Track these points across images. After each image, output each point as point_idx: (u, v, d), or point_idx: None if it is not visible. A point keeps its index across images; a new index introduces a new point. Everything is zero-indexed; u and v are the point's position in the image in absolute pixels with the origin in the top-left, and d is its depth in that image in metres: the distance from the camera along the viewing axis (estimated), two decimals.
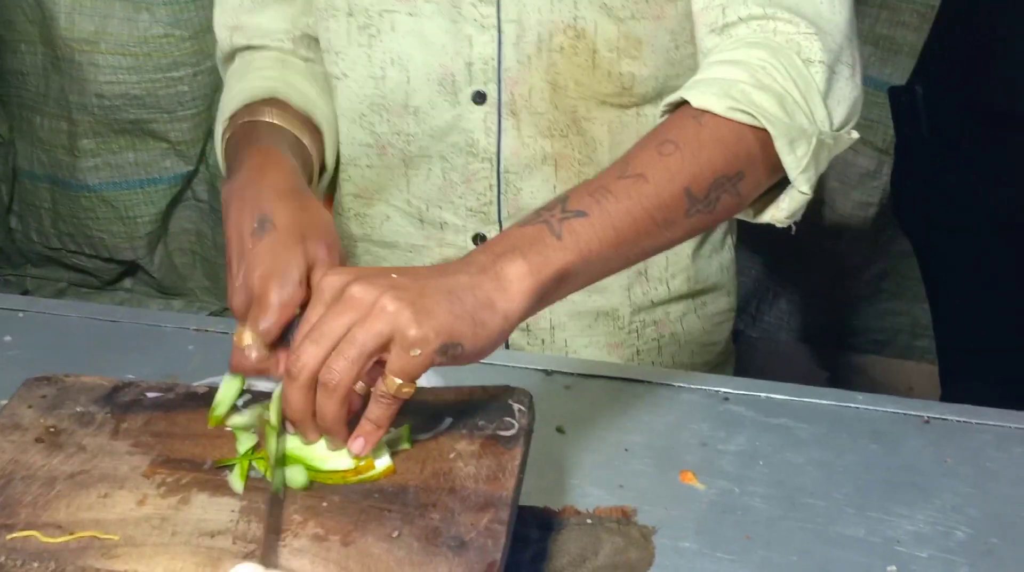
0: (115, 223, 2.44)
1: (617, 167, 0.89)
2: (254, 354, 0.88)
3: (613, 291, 1.22)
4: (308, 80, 1.17)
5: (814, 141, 0.93)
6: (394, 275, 0.80)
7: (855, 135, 0.99)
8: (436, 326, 0.78)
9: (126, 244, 2.46)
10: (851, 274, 2.45)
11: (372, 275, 0.80)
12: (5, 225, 2.49)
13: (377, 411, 0.80)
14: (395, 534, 0.76)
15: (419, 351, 0.78)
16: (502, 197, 1.16)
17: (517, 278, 0.81)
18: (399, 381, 0.79)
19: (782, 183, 0.95)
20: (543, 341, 1.24)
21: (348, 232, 1.26)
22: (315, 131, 1.13)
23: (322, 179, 1.18)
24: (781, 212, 0.96)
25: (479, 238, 1.18)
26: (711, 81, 0.93)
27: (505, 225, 1.17)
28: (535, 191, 1.15)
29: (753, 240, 2.09)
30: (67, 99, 2.33)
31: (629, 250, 0.88)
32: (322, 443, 0.82)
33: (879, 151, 2.25)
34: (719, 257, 1.28)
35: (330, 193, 1.26)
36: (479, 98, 1.12)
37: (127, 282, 2.58)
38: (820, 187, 2.22)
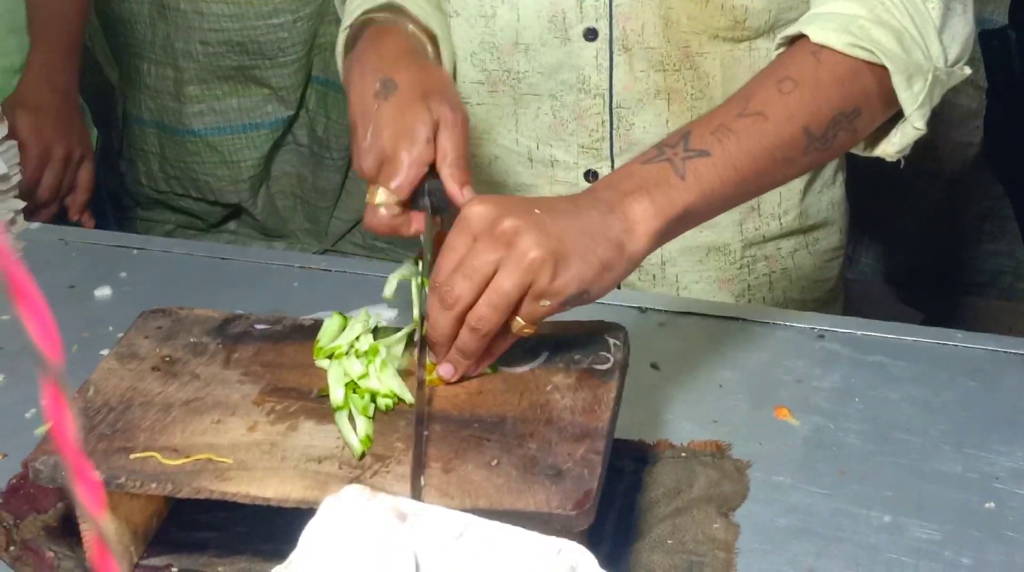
0: (220, 167, 2.49)
1: (736, 103, 0.89)
2: (386, 212, 0.91)
3: (725, 226, 1.22)
4: None
5: (930, 77, 0.93)
6: (537, 211, 0.82)
7: (968, 71, 0.99)
8: (571, 278, 0.80)
9: (230, 187, 2.52)
10: (950, 216, 2.40)
11: (517, 209, 0.82)
12: (116, 169, 2.57)
13: (473, 345, 0.83)
14: (494, 463, 0.78)
15: (550, 302, 0.81)
16: (614, 132, 1.16)
17: (643, 218, 0.83)
18: (523, 323, 0.82)
19: (893, 117, 0.95)
20: (654, 277, 1.24)
21: None
22: (431, 38, 1.13)
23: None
24: (892, 147, 0.97)
25: (591, 174, 1.19)
26: (829, 16, 0.93)
27: (617, 161, 1.17)
28: (647, 126, 1.15)
29: (849, 181, 2.06)
30: (173, 46, 2.38)
31: (748, 188, 0.89)
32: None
33: (980, 90, 2.19)
34: (830, 193, 1.28)
35: None
36: (591, 34, 1.12)
37: (231, 224, 2.64)
38: (930, 122, 2.18)
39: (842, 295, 1.37)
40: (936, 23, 0.95)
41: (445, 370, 0.85)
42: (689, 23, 1.10)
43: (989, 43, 1.75)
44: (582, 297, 0.82)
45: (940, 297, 2.48)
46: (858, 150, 0.99)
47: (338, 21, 1.74)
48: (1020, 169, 1.75)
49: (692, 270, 1.24)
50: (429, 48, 1.09)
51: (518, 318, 0.82)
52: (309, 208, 2.57)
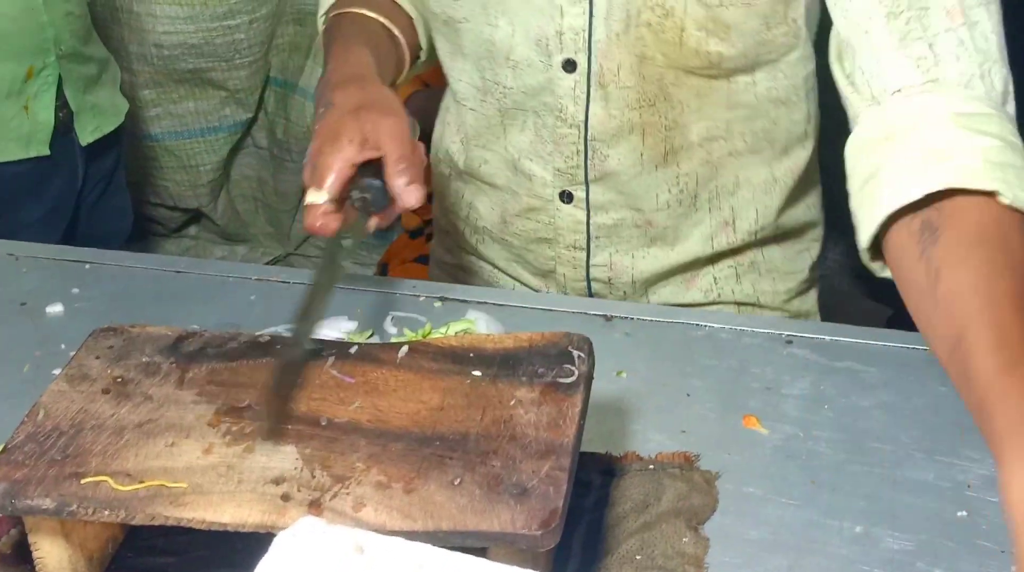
0: (178, 172, 2.46)
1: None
2: (322, 208, 0.95)
3: (695, 240, 1.21)
4: None
5: None
6: None
7: None
8: None
9: (189, 192, 2.49)
10: None
11: None
12: None
13: None
14: (457, 481, 0.76)
15: None
16: (589, 162, 1.16)
17: None
18: None
19: None
20: (624, 293, 1.25)
21: (452, 160, 1.29)
22: (404, 16, 1.20)
23: (419, 57, 1.24)
24: None
25: (566, 195, 1.19)
26: (1002, 165, 0.79)
27: (592, 187, 1.17)
28: (622, 157, 1.15)
29: (818, 177, 2.06)
30: (127, 50, 2.35)
31: None
32: None
33: None
34: (808, 199, 1.27)
35: (430, 73, 1.33)
36: (569, 66, 1.11)
37: (192, 229, 2.61)
38: None
39: (816, 285, 1.36)
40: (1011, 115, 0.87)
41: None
42: (664, 59, 1.09)
43: None
44: None
45: None
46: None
47: (296, 21, 1.76)
48: None
49: (664, 286, 1.25)
50: (397, 32, 1.17)
51: None
52: (270, 212, 2.55)
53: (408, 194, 0.96)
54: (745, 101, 1.12)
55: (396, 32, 1.17)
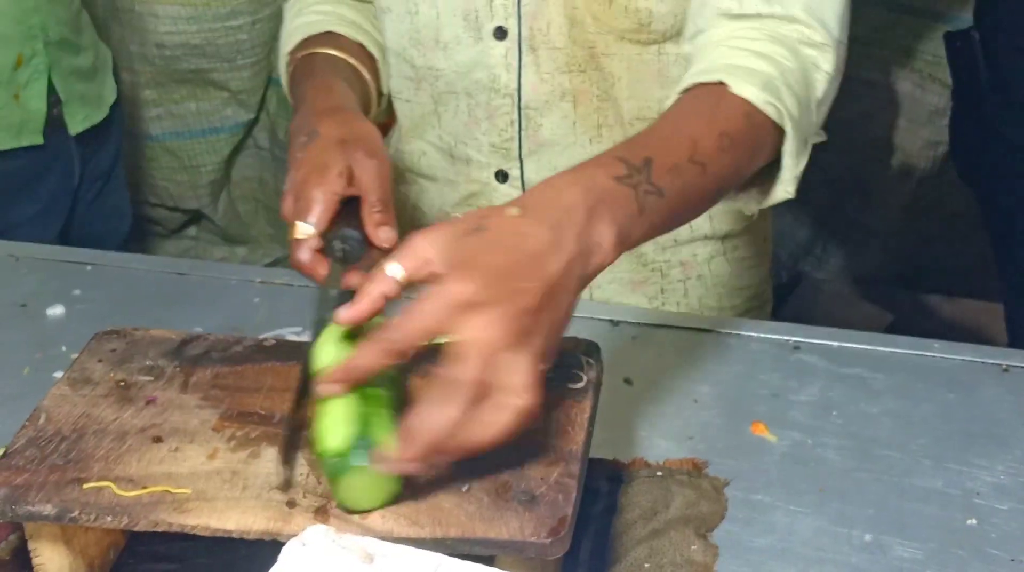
0: (179, 172, 2.45)
1: (685, 146, 0.86)
2: (306, 250, 0.92)
3: None
4: (358, 12, 1.21)
5: (808, 146, 0.95)
6: (525, 285, 0.73)
7: (823, 136, 1.01)
8: (539, 356, 0.73)
9: (190, 193, 2.48)
10: (919, 214, 2.39)
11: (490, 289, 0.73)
12: None
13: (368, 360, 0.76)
14: (465, 488, 0.75)
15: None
16: (523, 133, 1.16)
17: (611, 251, 0.79)
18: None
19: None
20: None
21: (398, 163, 1.28)
22: (369, 58, 1.19)
23: (381, 102, 1.23)
24: (757, 205, 0.98)
25: (501, 175, 1.19)
26: (750, 71, 0.93)
27: (527, 162, 1.18)
28: (555, 127, 1.15)
29: (818, 181, 2.05)
30: (128, 50, 2.33)
31: (671, 228, 0.89)
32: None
33: (947, 88, 2.18)
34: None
35: (389, 118, 1.31)
36: (500, 33, 1.12)
37: (192, 230, 2.59)
38: (888, 126, 2.16)
39: (768, 304, 1.35)
40: (818, 96, 0.97)
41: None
42: (594, 24, 1.10)
43: (952, 45, 1.74)
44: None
45: (909, 296, 2.48)
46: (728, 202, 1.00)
47: None
48: (985, 172, 1.74)
49: (604, 271, 1.22)
50: (365, 73, 1.16)
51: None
52: (271, 213, 2.53)
53: (382, 233, 0.94)
54: (676, 76, 1.11)
55: (364, 73, 1.16)
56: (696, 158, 0.86)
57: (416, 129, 1.24)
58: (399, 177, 1.29)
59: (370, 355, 0.74)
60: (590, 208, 0.79)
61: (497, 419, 0.71)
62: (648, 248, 1.21)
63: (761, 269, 1.31)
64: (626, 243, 0.80)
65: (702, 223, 1.23)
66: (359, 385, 0.76)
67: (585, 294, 1.19)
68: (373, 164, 0.95)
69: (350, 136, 0.97)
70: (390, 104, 1.26)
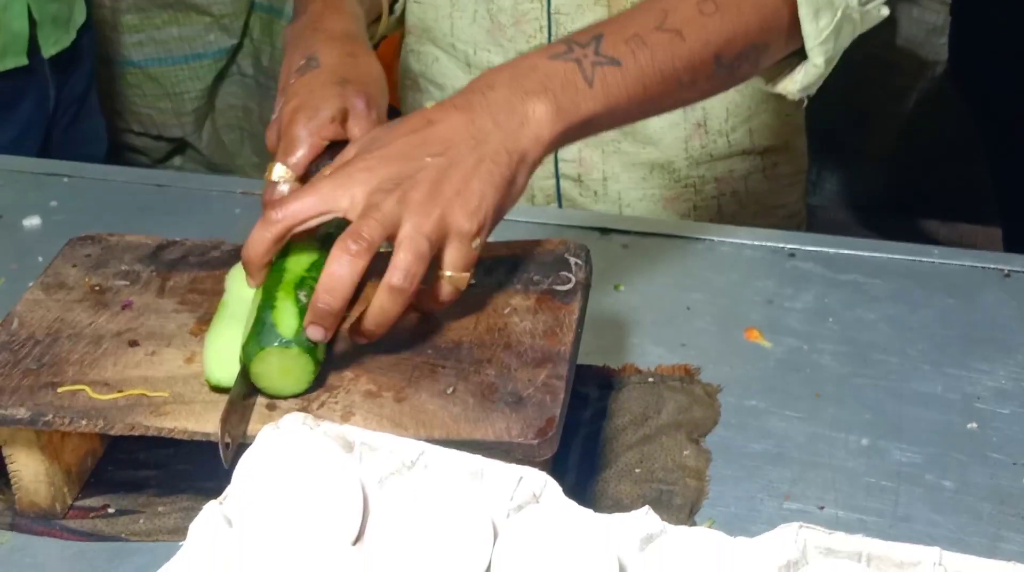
0: (162, 99, 2.41)
1: (655, 15, 0.84)
2: (285, 188, 0.85)
3: (669, 143, 1.17)
4: None
5: (839, 13, 0.88)
6: (428, 159, 0.75)
7: (885, 12, 0.93)
8: (487, 209, 0.75)
9: (173, 120, 2.44)
10: (916, 137, 2.36)
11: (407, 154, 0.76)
12: None
13: (396, 309, 0.75)
14: (450, 390, 0.73)
15: (478, 241, 0.76)
16: (552, 39, 1.11)
17: (547, 123, 0.78)
18: (453, 273, 0.76)
19: (800, 52, 0.90)
20: (595, 193, 1.20)
21: (408, 67, 1.24)
22: None
23: (393, 11, 1.17)
24: (795, 84, 0.92)
25: None
26: None
27: None
28: None
29: (813, 104, 2.01)
30: None
31: (649, 107, 0.85)
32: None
33: (945, 5, 2.14)
34: (786, 114, 1.22)
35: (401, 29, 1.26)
36: None
37: (176, 160, 2.56)
38: (894, 39, 2.12)
39: (804, 222, 1.32)
40: None
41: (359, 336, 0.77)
42: None
43: None
44: (496, 222, 0.77)
45: (908, 221, 2.45)
46: (760, 83, 0.95)
47: None
48: (987, 89, 1.71)
49: (635, 187, 1.19)
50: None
51: (449, 271, 0.76)
52: (256, 141, 2.50)
53: None
54: None
55: None
56: (667, 26, 0.83)
57: (427, 33, 1.18)
58: (412, 83, 1.25)
59: (258, 236, 0.76)
60: (513, 85, 0.78)
61: (386, 284, 0.73)
62: (682, 163, 1.18)
63: (798, 187, 1.28)
64: (572, 115, 0.79)
65: (741, 138, 1.19)
66: (263, 269, 0.77)
67: (615, 210, 1.17)
68: (369, 114, 0.88)
69: (352, 75, 0.89)
70: (401, 18, 1.20)
